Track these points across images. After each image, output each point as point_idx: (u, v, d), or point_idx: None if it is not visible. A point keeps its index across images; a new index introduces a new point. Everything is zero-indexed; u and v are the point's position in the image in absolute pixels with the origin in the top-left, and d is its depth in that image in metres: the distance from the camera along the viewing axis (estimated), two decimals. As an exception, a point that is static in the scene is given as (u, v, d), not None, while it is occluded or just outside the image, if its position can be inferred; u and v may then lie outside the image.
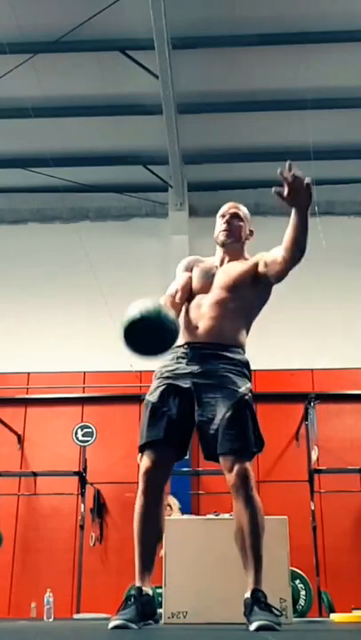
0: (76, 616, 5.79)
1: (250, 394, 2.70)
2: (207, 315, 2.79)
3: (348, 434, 7.16)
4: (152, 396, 2.74)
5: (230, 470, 2.57)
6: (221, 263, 2.97)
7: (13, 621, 5.04)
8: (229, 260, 2.96)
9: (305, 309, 7.41)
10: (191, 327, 2.80)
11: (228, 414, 2.59)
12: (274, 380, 7.17)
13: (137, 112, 6.95)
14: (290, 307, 7.02)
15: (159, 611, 3.60)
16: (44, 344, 7.58)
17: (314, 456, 6.25)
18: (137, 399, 6.86)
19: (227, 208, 3.04)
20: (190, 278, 2.96)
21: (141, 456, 2.75)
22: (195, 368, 2.70)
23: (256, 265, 2.86)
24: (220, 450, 2.58)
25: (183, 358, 2.75)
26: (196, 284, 2.94)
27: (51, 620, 5.30)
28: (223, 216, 3.01)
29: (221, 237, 2.98)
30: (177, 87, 6.27)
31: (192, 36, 6.07)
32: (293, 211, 2.60)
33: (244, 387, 2.68)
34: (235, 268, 2.90)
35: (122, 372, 7.22)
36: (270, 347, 6.93)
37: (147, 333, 2.40)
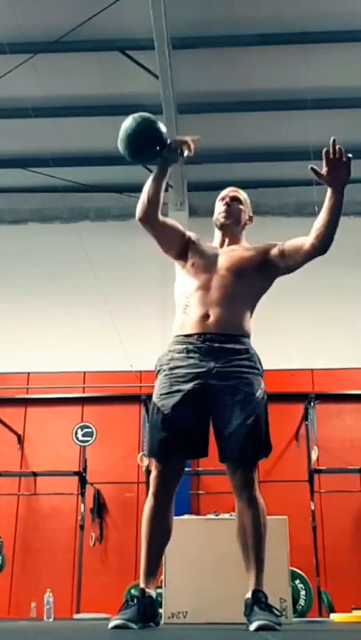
0: (76, 616, 5.79)
1: (265, 396, 2.64)
2: (217, 301, 2.68)
3: (348, 434, 7.16)
4: (163, 403, 2.60)
5: (235, 471, 2.57)
6: (221, 245, 2.91)
7: (13, 621, 5.04)
8: (230, 244, 2.90)
9: (305, 309, 7.41)
10: (201, 316, 2.67)
11: (248, 421, 2.53)
12: (274, 379, 7.12)
13: (137, 112, 6.93)
14: (290, 306, 7.03)
15: (160, 611, 3.61)
16: (44, 344, 7.58)
17: (314, 456, 6.25)
18: (137, 399, 6.86)
19: (227, 191, 3.02)
20: (183, 238, 2.95)
21: (142, 457, 2.75)
22: (210, 366, 2.59)
23: (264, 252, 2.81)
24: (238, 455, 2.55)
25: (196, 352, 2.63)
26: (196, 259, 2.84)
27: (51, 620, 5.30)
28: (223, 199, 2.98)
29: (221, 219, 2.94)
30: (177, 87, 6.27)
31: (192, 35, 6.07)
32: (330, 192, 2.63)
33: (260, 389, 2.62)
34: (238, 253, 2.84)
35: (122, 372, 7.23)
36: (270, 347, 6.89)
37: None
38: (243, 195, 3.02)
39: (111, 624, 2.33)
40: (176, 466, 2.64)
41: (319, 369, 7.36)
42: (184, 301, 2.77)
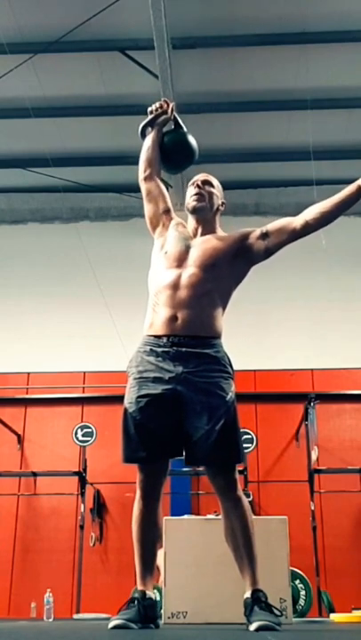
0: (75, 616, 5.79)
1: (234, 398, 2.60)
2: (185, 301, 2.60)
3: (348, 434, 7.16)
4: (133, 409, 2.57)
5: (216, 475, 2.57)
6: (195, 234, 2.84)
7: (13, 621, 5.04)
8: (203, 233, 2.82)
9: (305, 309, 7.41)
10: (169, 315, 2.61)
11: (217, 427, 2.50)
12: (274, 379, 7.16)
13: (137, 112, 6.89)
14: (290, 307, 7.03)
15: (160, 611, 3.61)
16: (44, 344, 7.58)
17: (314, 456, 6.25)
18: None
19: (198, 176, 3.05)
20: (165, 206, 3.05)
21: None
22: (178, 370, 2.55)
23: (240, 239, 2.77)
24: (213, 459, 2.55)
25: (164, 356, 2.59)
26: (170, 246, 2.78)
27: (51, 620, 5.31)
28: (194, 182, 2.98)
29: (192, 203, 2.88)
30: (177, 87, 6.27)
31: (192, 35, 6.07)
32: (355, 188, 2.63)
33: (230, 392, 2.58)
34: (211, 244, 2.75)
35: (122, 372, 7.19)
36: (270, 347, 6.94)
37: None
38: (214, 180, 3.03)
39: (111, 624, 2.33)
40: (157, 468, 2.63)
41: (319, 369, 7.36)
42: (153, 299, 2.72)
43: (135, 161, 8.47)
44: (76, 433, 6.53)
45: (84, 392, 7.46)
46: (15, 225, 8.30)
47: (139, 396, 2.59)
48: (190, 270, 2.68)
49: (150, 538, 2.61)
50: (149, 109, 3.20)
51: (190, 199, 2.91)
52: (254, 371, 7.07)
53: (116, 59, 6.25)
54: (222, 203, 2.98)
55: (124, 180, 7.94)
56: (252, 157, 7.50)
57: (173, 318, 2.61)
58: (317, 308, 7.47)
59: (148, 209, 3.07)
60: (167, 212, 3.01)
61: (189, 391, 2.54)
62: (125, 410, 2.62)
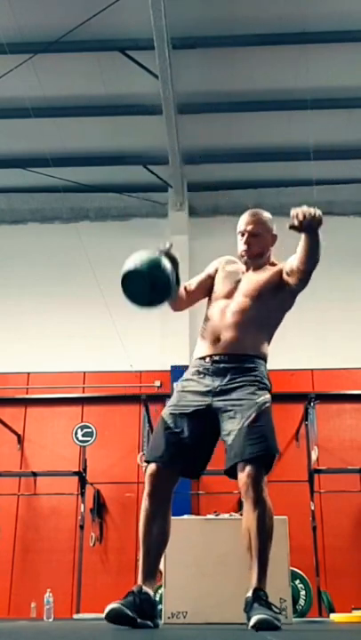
0: (75, 616, 5.79)
1: (268, 403, 2.69)
2: (230, 325, 2.77)
3: (348, 434, 7.16)
4: (169, 415, 2.72)
5: (242, 470, 2.56)
6: (247, 269, 2.96)
7: (13, 621, 5.04)
8: (255, 269, 2.94)
9: (305, 309, 7.36)
10: (213, 338, 2.78)
11: (247, 421, 2.59)
12: (274, 380, 7.06)
13: (137, 112, 6.95)
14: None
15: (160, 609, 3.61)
16: (44, 344, 7.58)
17: (314, 456, 6.25)
18: (137, 399, 6.86)
19: (245, 224, 2.93)
20: (211, 278, 2.96)
21: (142, 457, 2.75)
22: (215, 385, 2.70)
23: (280, 272, 2.85)
24: (239, 453, 2.56)
25: (205, 374, 2.74)
26: (219, 286, 2.92)
27: (51, 619, 5.31)
28: (243, 234, 2.93)
29: (244, 257, 2.93)
30: (177, 87, 6.27)
31: (192, 35, 6.07)
32: (303, 235, 2.63)
33: (262, 397, 2.68)
34: (259, 277, 2.88)
35: (122, 372, 7.23)
36: (271, 347, 6.93)
37: (140, 284, 2.57)
38: (262, 219, 2.95)
39: (108, 608, 2.34)
40: (168, 470, 2.65)
41: (319, 369, 7.36)
42: (203, 326, 2.88)
43: (135, 161, 8.51)
44: (76, 433, 6.53)
45: (84, 392, 7.46)
46: (15, 225, 8.30)
47: (175, 406, 2.74)
48: (238, 299, 2.85)
49: (154, 539, 2.59)
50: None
51: (240, 252, 2.94)
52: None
53: (116, 59, 6.25)
54: (273, 238, 2.96)
55: (124, 180, 7.95)
56: (252, 157, 7.50)
57: (217, 340, 2.78)
58: (317, 308, 7.46)
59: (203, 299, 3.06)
60: (209, 277, 3.02)
61: (224, 400, 2.67)
62: (161, 416, 2.76)
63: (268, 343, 2.88)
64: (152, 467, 2.63)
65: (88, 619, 5.28)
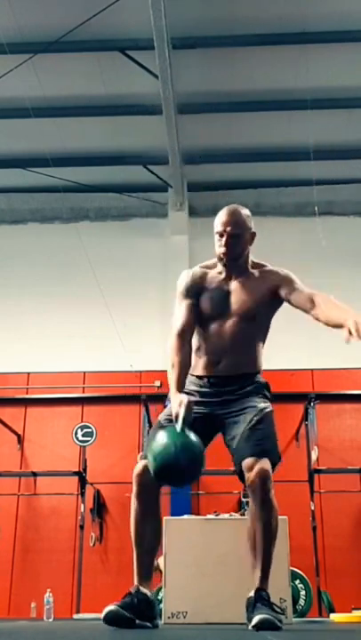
0: (75, 616, 5.79)
1: (270, 409, 2.71)
2: (229, 348, 2.73)
3: (348, 434, 7.16)
4: (165, 418, 2.66)
5: (250, 469, 2.53)
6: (230, 277, 2.81)
7: (13, 621, 5.04)
8: (238, 275, 2.80)
9: (305, 309, 7.40)
10: (212, 361, 2.75)
11: (250, 425, 2.60)
12: (274, 379, 7.07)
13: (137, 112, 6.95)
14: (290, 307, 7.02)
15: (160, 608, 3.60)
16: (44, 344, 7.58)
17: (314, 456, 6.25)
18: (137, 399, 6.86)
19: (222, 226, 2.76)
20: (193, 306, 2.78)
21: (142, 457, 2.72)
22: (218, 398, 2.71)
23: (274, 288, 2.79)
24: (244, 454, 2.56)
25: (204, 393, 2.73)
26: (207, 308, 2.78)
27: (51, 619, 5.31)
28: (221, 234, 2.76)
29: (223, 259, 2.78)
30: (177, 87, 6.27)
31: (192, 35, 6.07)
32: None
33: (264, 403, 2.70)
34: (250, 292, 2.77)
35: (122, 372, 7.23)
36: (270, 347, 6.91)
37: (174, 476, 2.44)
38: (241, 218, 2.78)
39: (105, 610, 2.34)
40: None
41: (319, 369, 7.36)
42: (198, 342, 2.81)
43: (135, 161, 8.50)
44: (76, 433, 6.53)
45: (84, 392, 7.46)
46: (15, 225, 8.30)
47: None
48: (233, 320, 2.76)
49: (146, 539, 2.58)
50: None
51: (220, 255, 2.78)
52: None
53: (116, 59, 6.25)
54: (251, 236, 2.82)
55: (124, 180, 7.95)
56: (252, 157, 7.50)
57: (216, 362, 2.75)
58: (317, 308, 7.47)
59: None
60: (191, 298, 2.82)
61: (226, 409, 2.69)
62: (159, 421, 2.69)
63: (262, 350, 2.87)
64: (138, 467, 2.60)
65: (88, 619, 5.27)
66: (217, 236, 2.79)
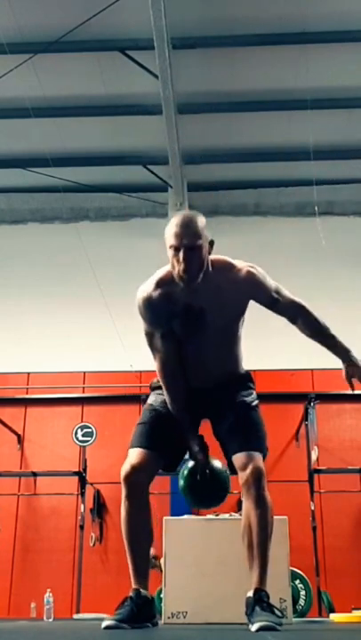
0: (75, 616, 5.79)
1: (256, 401, 2.74)
2: (211, 366, 2.70)
3: (348, 434, 7.16)
4: (157, 406, 2.73)
5: (244, 468, 2.53)
6: (193, 291, 2.54)
7: (13, 621, 5.04)
8: (202, 285, 2.53)
9: (305, 309, 7.40)
10: (196, 374, 2.72)
11: (237, 417, 2.63)
12: (274, 379, 7.16)
13: (137, 112, 6.95)
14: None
15: (161, 606, 3.60)
16: (44, 344, 7.58)
17: (314, 456, 6.25)
18: (137, 399, 6.86)
19: (176, 239, 2.50)
20: (167, 334, 2.64)
21: None
22: (204, 400, 2.73)
23: (251, 294, 2.63)
24: (233, 449, 2.58)
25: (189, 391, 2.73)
26: (182, 333, 2.64)
27: (51, 619, 5.31)
28: (177, 249, 2.49)
29: (185, 280, 2.50)
30: (177, 87, 6.27)
31: (192, 35, 6.07)
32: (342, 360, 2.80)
33: (249, 397, 2.73)
34: (223, 306, 2.60)
35: (122, 372, 7.23)
36: (270, 347, 6.94)
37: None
38: (198, 228, 2.50)
39: (104, 624, 2.33)
40: (145, 465, 2.60)
41: (319, 369, 7.35)
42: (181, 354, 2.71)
43: (135, 161, 8.50)
44: (76, 433, 6.53)
45: (84, 392, 7.46)
46: (15, 225, 8.31)
47: (160, 402, 2.73)
48: (209, 339, 2.63)
49: (139, 539, 2.59)
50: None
51: (178, 271, 2.50)
52: (254, 371, 7.00)
53: (116, 59, 6.25)
54: (210, 244, 2.55)
55: (124, 180, 7.95)
56: (252, 157, 7.50)
57: (199, 377, 2.72)
58: (317, 307, 7.43)
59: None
60: (162, 329, 2.71)
61: (214, 401, 2.71)
62: (150, 404, 2.75)
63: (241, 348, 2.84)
64: (126, 468, 2.58)
65: (88, 619, 5.27)
66: (171, 251, 2.51)
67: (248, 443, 2.58)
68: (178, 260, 2.49)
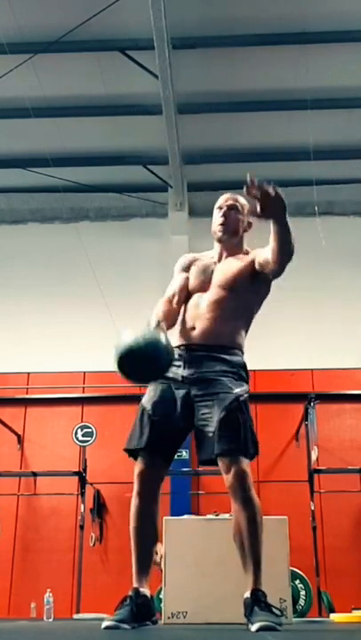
0: (75, 616, 5.79)
1: (245, 395, 2.67)
2: (205, 315, 2.76)
3: (348, 434, 7.16)
4: (147, 404, 2.76)
5: (227, 471, 2.55)
6: (220, 258, 2.91)
7: (13, 621, 5.04)
8: (227, 256, 2.90)
9: (305, 309, 7.41)
10: (188, 328, 2.78)
11: (221, 415, 2.57)
12: (274, 379, 7.16)
13: (137, 112, 6.95)
14: (290, 307, 7.02)
15: (161, 607, 3.60)
16: (44, 344, 7.58)
17: (314, 456, 6.24)
18: (137, 399, 6.78)
19: (223, 200, 2.94)
20: (187, 279, 2.91)
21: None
22: (190, 372, 2.69)
23: (253, 261, 2.82)
24: (216, 451, 2.56)
25: (178, 361, 2.71)
26: (193, 281, 2.89)
27: (51, 620, 5.30)
28: (220, 208, 2.92)
29: (218, 233, 2.91)
30: (177, 87, 6.27)
31: (192, 35, 6.07)
32: (272, 224, 2.52)
33: (239, 389, 2.66)
34: (233, 266, 2.84)
35: (122, 372, 7.22)
36: (270, 347, 6.93)
37: (138, 363, 2.51)
38: (241, 201, 2.92)
39: (104, 624, 2.33)
40: (155, 463, 2.66)
41: (319, 369, 7.36)
42: (180, 316, 2.86)
43: (135, 161, 8.50)
44: (76, 433, 6.53)
45: (84, 392, 7.46)
46: (15, 225, 8.31)
47: (153, 395, 2.75)
48: (213, 290, 2.82)
49: (146, 535, 2.61)
50: None
51: (216, 228, 2.91)
52: (254, 371, 6.99)
53: (116, 59, 6.25)
54: (249, 223, 2.94)
55: (124, 180, 7.95)
56: (252, 157, 7.50)
57: (191, 329, 2.78)
58: (318, 307, 7.47)
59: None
60: (186, 279, 2.94)
61: (201, 389, 2.66)
62: (142, 406, 2.80)
63: (246, 333, 2.84)
64: (139, 465, 2.65)
65: (88, 619, 5.27)
66: (216, 212, 2.93)
67: (231, 445, 2.56)
68: (218, 216, 2.91)
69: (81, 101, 6.87)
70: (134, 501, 2.63)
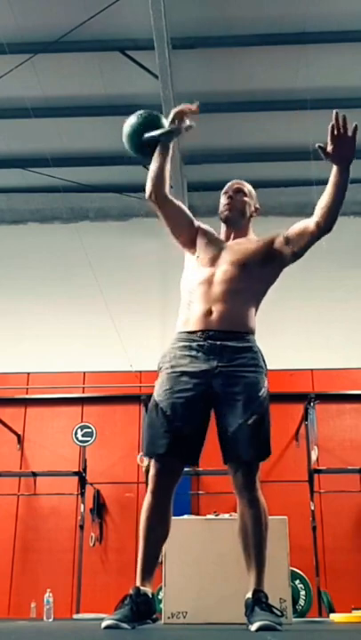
0: (75, 616, 5.79)
1: (267, 394, 2.64)
2: (220, 296, 2.67)
3: (348, 434, 7.16)
4: (165, 404, 2.58)
5: (237, 471, 2.54)
6: (227, 239, 2.89)
7: (13, 621, 5.04)
8: (235, 237, 2.88)
9: (305, 309, 7.41)
10: (204, 311, 2.66)
11: (250, 421, 2.52)
12: (274, 379, 7.07)
13: (137, 111, 6.94)
14: (290, 306, 7.02)
15: (160, 607, 3.60)
16: (44, 344, 7.58)
17: (314, 456, 6.25)
18: (137, 399, 6.86)
19: (230, 184, 2.99)
20: (192, 224, 2.92)
21: (142, 457, 2.74)
22: (213, 365, 2.58)
23: (270, 243, 2.79)
24: (245, 457, 2.53)
25: (198, 351, 2.61)
26: (201, 252, 2.83)
27: (50, 620, 5.31)
28: (226, 192, 2.96)
29: (225, 212, 2.92)
30: (177, 87, 6.27)
31: (192, 36, 6.07)
32: (335, 169, 2.64)
33: (263, 387, 2.62)
34: (244, 246, 2.82)
35: (122, 372, 7.23)
36: (270, 347, 6.91)
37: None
38: (247, 186, 2.99)
39: (103, 624, 2.33)
40: (174, 466, 2.62)
41: (319, 369, 7.36)
42: (188, 297, 2.76)
43: (135, 161, 8.47)
44: (75, 433, 6.53)
45: (83, 392, 7.46)
46: (15, 225, 8.30)
47: (172, 392, 2.59)
48: (224, 267, 2.74)
49: (156, 535, 2.57)
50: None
51: (222, 208, 2.94)
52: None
53: (116, 59, 6.25)
54: (256, 209, 2.99)
55: (124, 180, 7.94)
56: (252, 157, 7.50)
57: (208, 313, 2.66)
58: (318, 307, 7.47)
59: (173, 232, 3.00)
60: (192, 223, 2.96)
61: (224, 386, 2.57)
62: (156, 404, 2.60)
63: (255, 316, 2.79)
64: (157, 466, 2.58)
65: (88, 619, 5.28)
66: (222, 197, 2.96)
67: (259, 451, 2.54)
68: (224, 200, 2.94)
69: (81, 101, 6.87)
70: (148, 499, 2.58)
